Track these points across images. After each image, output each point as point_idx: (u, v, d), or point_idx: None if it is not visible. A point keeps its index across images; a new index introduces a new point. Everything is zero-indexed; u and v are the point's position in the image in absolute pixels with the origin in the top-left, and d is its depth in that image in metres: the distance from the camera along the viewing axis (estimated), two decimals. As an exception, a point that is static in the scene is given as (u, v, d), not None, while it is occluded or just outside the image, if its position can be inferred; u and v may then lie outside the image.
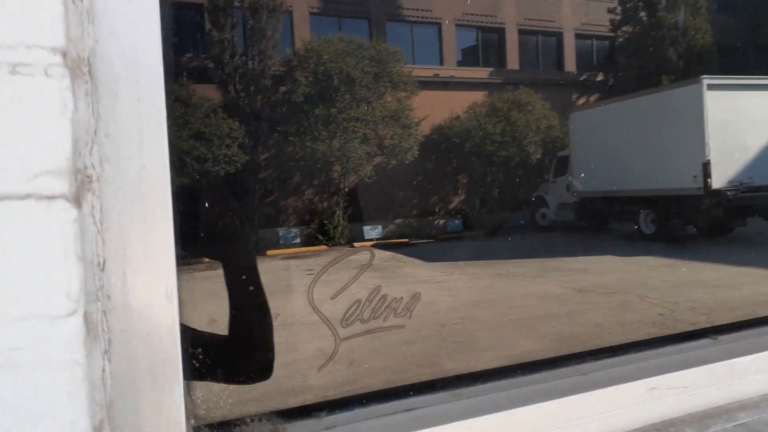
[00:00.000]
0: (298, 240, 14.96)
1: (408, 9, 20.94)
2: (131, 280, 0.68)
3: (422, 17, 21.21)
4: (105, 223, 0.66)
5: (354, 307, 1.07)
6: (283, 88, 16.40)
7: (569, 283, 9.62)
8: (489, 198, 18.72)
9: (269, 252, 11.33)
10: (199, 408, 0.94)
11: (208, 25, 16.71)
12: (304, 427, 0.92)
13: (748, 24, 25.51)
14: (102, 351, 0.64)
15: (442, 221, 19.30)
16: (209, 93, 15.77)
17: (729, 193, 12.65)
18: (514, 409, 0.99)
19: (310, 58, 16.15)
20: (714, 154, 12.65)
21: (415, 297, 1.10)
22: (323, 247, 15.43)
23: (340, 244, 15.76)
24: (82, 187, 0.60)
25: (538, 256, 13.13)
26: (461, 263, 12.78)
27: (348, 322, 1.07)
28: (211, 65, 16.46)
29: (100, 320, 0.64)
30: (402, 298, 1.11)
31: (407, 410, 0.98)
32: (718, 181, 12.68)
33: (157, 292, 0.70)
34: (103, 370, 0.64)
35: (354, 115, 15.45)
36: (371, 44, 17.20)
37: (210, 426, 0.86)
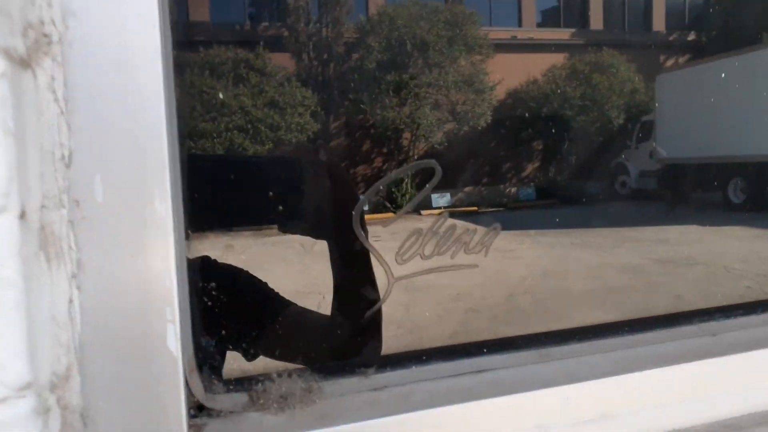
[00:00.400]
0: (366, 207, 14.93)
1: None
2: (109, 180, 0.52)
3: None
4: (71, 102, 0.50)
5: (414, 238, 0.89)
6: (355, 56, 16.38)
7: (649, 253, 9.20)
8: (566, 165, 18.09)
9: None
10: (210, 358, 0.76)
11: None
12: (346, 386, 0.74)
13: None
14: (68, 275, 0.50)
15: (513, 189, 18.87)
16: (284, 61, 15.99)
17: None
18: (620, 375, 0.77)
19: (383, 23, 16.00)
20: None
21: (495, 229, 0.91)
22: (390, 214, 15.44)
23: (408, 213, 15.71)
24: (34, 48, 0.45)
25: (617, 225, 12.61)
26: (533, 232, 12.46)
27: (404, 258, 0.87)
28: (285, 33, 16.65)
29: (65, 234, 0.49)
30: (476, 229, 0.92)
31: (478, 371, 0.78)
32: (820, 145, 11.65)
33: (147, 199, 0.53)
34: (71, 301, 0.50)
35: (426, 81, 15.24)
36: (446, 6, 16.80)
37: (226, 382, 0.70)
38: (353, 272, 0.98)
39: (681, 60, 20.68)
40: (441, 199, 17.02)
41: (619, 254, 9.45)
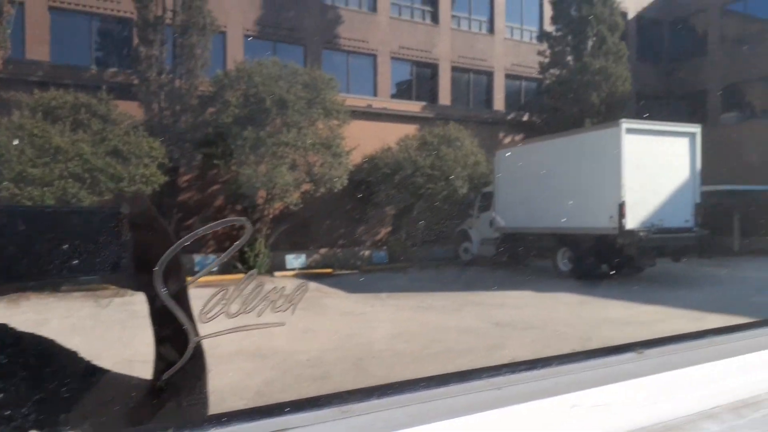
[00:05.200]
0: (215, 268, 14.28)
1: (344, 38, 21.10)
2: None
3: (358, 48, 21.41)
4: None
5: (219, 296, 0.85)
6: (211, 109, 16.00)
7: (487, 317, 9.67)
8: (415, 231, 18.80)
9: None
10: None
11: (135, 40, 16.18)
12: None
13: (663, 74, 27.29)
14: None
15: (367, 252, 19.21)
16: (131, 110, 15.17)
17: (642, 233, 13.19)
18: (414, 428, 0.82)
19: (241, 78, 15.86)
20: (629, 196, 13.19)
21: (302, 287, 0.89)
22: (241, 275, 14.86)
23: (259, 274, 15.29)
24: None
25: (459, 289, 13.22)
26: (384, 295, 12.66)
27: (209, 316, 0.84)
28: (135, 81, 15.89)
29: None
30: (284, 287, 0.90)
31: (280, 430, 0.79)
32: (632, 221, 13.21)
33: None
34: None
35: (284, 140, 15.20)
36: (305, 70, 17.11)
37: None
38: (161, 329, 0.90)
39: (517, 137, 22.80)
40: (296, 261, 16.78)
41: (461, 317, 9.85)
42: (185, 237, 0.87)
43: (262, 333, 0.89)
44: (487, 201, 18.05)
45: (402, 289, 13.70)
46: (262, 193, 15.52)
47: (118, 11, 17.05)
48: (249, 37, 19.32)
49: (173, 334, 0.87)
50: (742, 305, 9.67)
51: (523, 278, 15.07)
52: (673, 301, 10.68)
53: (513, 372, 1.04)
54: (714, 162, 17.30)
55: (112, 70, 16.78)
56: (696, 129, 14.24)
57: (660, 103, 26.16)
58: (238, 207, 16.11)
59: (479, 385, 0.98)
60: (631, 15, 26.50)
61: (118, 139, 13.33)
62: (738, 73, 25.42)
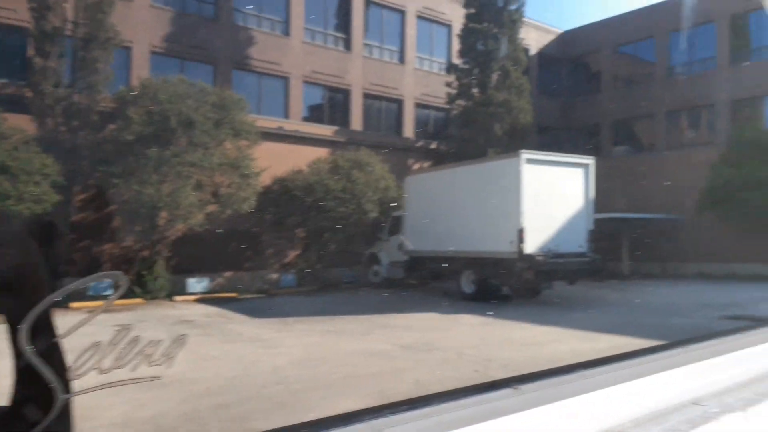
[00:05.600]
0: (110, 291, 13.51)
1: (256, 60, 20.92)
2: None
3: (270, 69, 21.29)
4: None
5: (91, 351, 0.81)
6: (112, 126, 15.29)
7: (395, 339, 9.74)
8: (325, 253, 18.74)
9: (73, 304, 10.00)
10: None
11: (30, 51, 15.25)
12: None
13: (561, 108, 29.07)
14: None
15: (275, 275, 18.90)
16: (23, 124, 14.23)
17: (539, 258, 13.85)
18: None
19: (146, 95, 15.30)
20: (527, 222, 13.84)
21: (179, 340, 0.86)
22: (139, 300, 14.19)
23: (158, 298, 14.65)
24: None
25: (369, 312, 13.25)
26: (291, 320, 12.47)
27: (80, 372, 0.79)
28: (28, 94, 14.93)
29: None
30: (161, 341, 0.86)
31: None
32: (530, 246, 13.85)
33: None
34: None
35: (189, 159, 14.76)
36: (214, 90, 16.78)
37: None
38: (24, 388, 0.82)
39: (426, 164, 23.41)
40: (198, 284, 16.17)
41: (370, 340, 9.86)
42: (54, 294, 0.83)
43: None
44: (396, 225, 18.33)
45: (310, 313, 13.56)
46: (164, 213, 14.93)
47: (13, 19, 16.01)
48: (156, 53, 18.73)
49: (39, 392, 0.81)
50: (631, 326, 10.34)
51: (430, 300, 15.36)
52: (567, 322, 11.24)
53: (394, 413, 1.05)
54: (606, 191, 18.55)
55: (2, 81, 15.68)
56: (590, 161, 15.22)
57: (558, 136, 27.81)
58: (138, 228, 15.38)
59: (360, 428, 0.98)
60: (533, 51, 28.13)
61: (5, 155, 12.42)
62: (627, 110, 27.54)
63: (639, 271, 22.68)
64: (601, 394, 1.30)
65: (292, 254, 19.60)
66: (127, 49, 17.68)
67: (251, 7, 20.99)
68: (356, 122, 23.37)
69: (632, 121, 28.28)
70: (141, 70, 17.80)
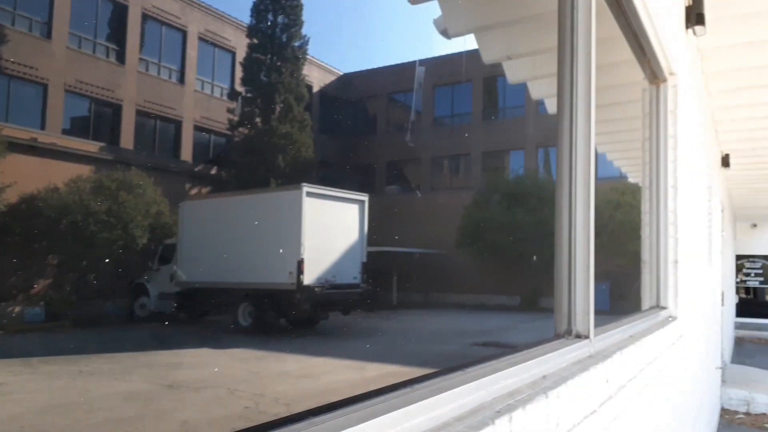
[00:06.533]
0: None
1: (8, 62, 18.24)
2: None
3: (24, 73, 18.73)
4: None
5: None
6: None
7: (160, 379, 9.06)
8: (83, 284, 16.78)
9: None
10: None
11: None
12: None
13: (341, 146, 30.40)
14: None
15: (18, 308, 16.34)
16: None
17: (317, 289, 14.13)
18: None
19: None
20: (307, 254, 14.07)
21: None
22: None
23: None
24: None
25: (131, 350, 12.13)
26: (36, 360, 10.86)
27: None
28: None
29: None
30: None
31: None
32: (309, 277, 14.07)
33: None
34: None
35: None
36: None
37: None
38: None
39: (204, 190, 22.53)
40: None
41: (130, 381, 9.02)
42: None
43: None
44: (168, 253, 17.20)
45: (60, 353, 11.93)
46: None
47: None
48: None
49: None
50: (397, 355, 11.02)
51: (203, 335, 14.62)
52: (341, 352, 11.57)
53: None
54: (378, 226, 19.74)
55: None
56: (364, 197, 16.09)
57: (337, 172, 28.97)
58: None
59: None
60: (315, 89, 29.09)
61: None
62: (399, 152, 29.87)
63: (406, 301, 24.42)
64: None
65: (42, 284, 17.15)
66: None
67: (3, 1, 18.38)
68: (127, 140, 21.61)
69: (403, 163, 30.73)
70: None
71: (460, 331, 15.70)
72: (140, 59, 22.33)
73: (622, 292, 15.76)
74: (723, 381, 8.56)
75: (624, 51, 2.69)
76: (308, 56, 23.97)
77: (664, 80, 3.10)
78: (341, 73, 31.87)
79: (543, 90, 3.98)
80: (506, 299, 23.78)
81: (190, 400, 7.89)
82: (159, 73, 23.19)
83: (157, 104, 22.63)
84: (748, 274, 21.35)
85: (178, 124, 23.57)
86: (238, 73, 23.74)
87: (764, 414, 7.86)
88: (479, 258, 23.57)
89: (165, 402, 7.75)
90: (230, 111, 22.75)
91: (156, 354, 11.73)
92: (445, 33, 2.73)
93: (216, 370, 10.23)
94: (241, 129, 22.71)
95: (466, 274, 24.89)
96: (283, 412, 7.17)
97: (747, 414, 7.90)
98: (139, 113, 22.18)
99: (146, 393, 8.23)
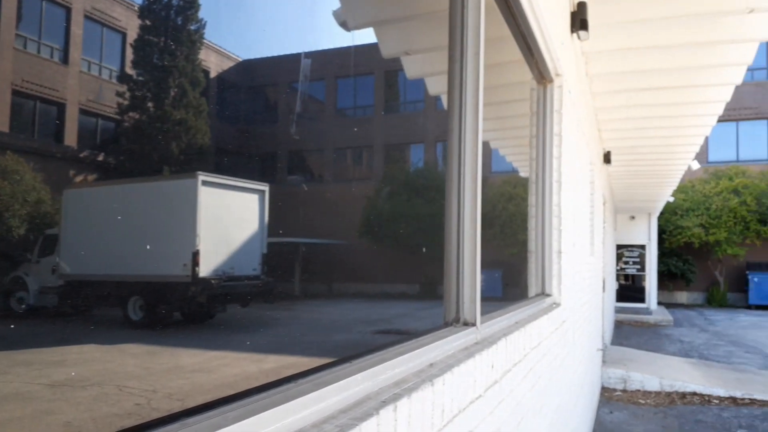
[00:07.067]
0: None
1: None
2: None
3: None
4: None
5: None
6: None
7: (40, 378, 8.45)
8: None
9: None
10: None
11: None
12: None
13: (240, 133, 29.63)
14: None
15: None
16: None
17: (214, 281, 13.74)
18: None
19: None
20: (203, 245, 13.64)
21: None
22: None
23: None
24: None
25: (5, 348, 11.24)
26: None
27: None
28: None
29: None
30: None
31: None
32: (205, 269, 13.65)
33: None
34: None
35: None
36: None
37: None
38: None
39: (91, 177, 21.15)
40: None
41: (4, 381, 8.35)
42: None
43: None
44: (50, 245, 16.02)
45: None
46: None
47: None
48: None
49: None
50: (298, 345, 10.97)
51: (90, 331, 13.84)
52: (238, 345, 11.35)
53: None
54: (280, 217, 19.45)
55: None
56: (265, 187, 15.80)
57: (236, 160, 28.20)
58: None
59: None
60: (213, 74, 28.07)
61: None
62: (302, 142, 29.56)
63: (308, 292, 24.32)
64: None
65: None
66: None
67: None
68: (2, 122, 19.82)
69: (306, 152, 30.47)
70: None
71: (362, 319, 15.88)
72: (17, 35, 20.52)
73: (515, 280, 16.63)
74: (603, 361, 9.28)
75: (514, 51, 2.82)
76: (205, 40, 23.08)
77: (551, 81, 3.28)
78: (241, 59, 30.98)
79: (439, 86, 4.09)
80: (407, 287, 24.34)
81: (74, 399, 7.44)
82: (39, 51, 21.42)
83: (37, 84, 20.89)
84: (627, 263, 23.19)
85: (61, 107, 21.90)
86: (129, 55, 22.43)
87: (638, 390, 8.64)
88: (381, 248, 23.92)
89: (45, 402, 7.26)
90: (120, 95, 21.47)
91: (35, 352, 10.97)
92: (345, 25, 2.73)
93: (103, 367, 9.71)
94: (131, 113, 21.50)
95: (369, 263, 25.18)
96: (177, 408, 6.92)
97: (624, 391, 8.65)
98: (16, 93, 20.38)
99: (24, 393, 7.69)
